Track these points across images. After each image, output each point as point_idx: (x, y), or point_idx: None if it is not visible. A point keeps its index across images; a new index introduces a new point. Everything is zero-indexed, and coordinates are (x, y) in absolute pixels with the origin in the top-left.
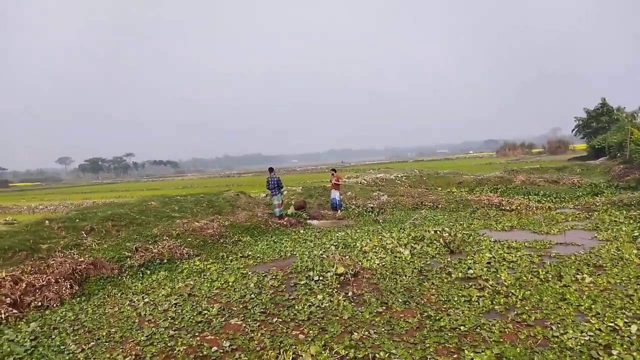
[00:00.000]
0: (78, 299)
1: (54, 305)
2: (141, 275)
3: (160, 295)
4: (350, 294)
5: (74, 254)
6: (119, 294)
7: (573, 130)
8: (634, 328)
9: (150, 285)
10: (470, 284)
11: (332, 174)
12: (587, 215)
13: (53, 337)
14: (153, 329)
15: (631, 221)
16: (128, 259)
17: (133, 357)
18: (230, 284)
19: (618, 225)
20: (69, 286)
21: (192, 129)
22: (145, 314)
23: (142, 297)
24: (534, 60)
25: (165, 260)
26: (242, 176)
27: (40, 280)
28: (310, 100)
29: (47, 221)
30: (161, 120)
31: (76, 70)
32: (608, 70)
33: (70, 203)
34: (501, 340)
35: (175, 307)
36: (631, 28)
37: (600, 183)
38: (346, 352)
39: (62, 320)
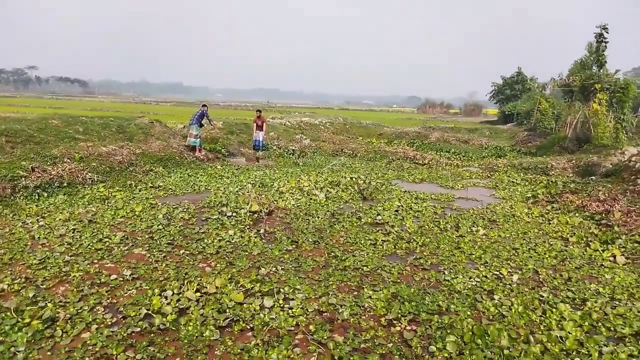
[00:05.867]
0: None
1: None
2: (37, 197)
3: (57, 219)
4: (262, 231)
5: None
6: (11, 215)
7: (487, 94)
8: (515, 277)
9: (46, 208)
10: (377, 229)
11: (258, 116)
12: (489, 175)
13: None
14: (47, 253)
15: (526, 183)
16: (23, 178)
17: (23, 279)
18: (136, 213)
19: (515, 186)
20: None
21: (107, 46)
22: (39, 237)
23: (37, 219)
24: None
25: (65, 184)
26: (159, 104)
27: None
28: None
29: None
30: (71, 32)
31: None
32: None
33: None
34: (398, 281)
35: (73, 232)
36: None
37: (504, 147)
38: (252, 285)
39: None
